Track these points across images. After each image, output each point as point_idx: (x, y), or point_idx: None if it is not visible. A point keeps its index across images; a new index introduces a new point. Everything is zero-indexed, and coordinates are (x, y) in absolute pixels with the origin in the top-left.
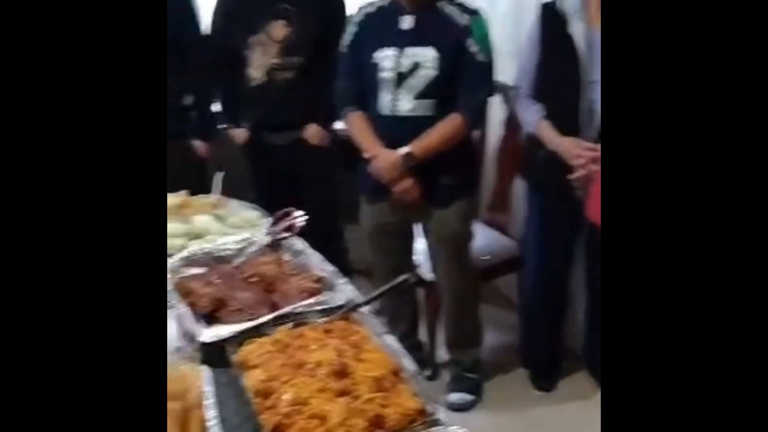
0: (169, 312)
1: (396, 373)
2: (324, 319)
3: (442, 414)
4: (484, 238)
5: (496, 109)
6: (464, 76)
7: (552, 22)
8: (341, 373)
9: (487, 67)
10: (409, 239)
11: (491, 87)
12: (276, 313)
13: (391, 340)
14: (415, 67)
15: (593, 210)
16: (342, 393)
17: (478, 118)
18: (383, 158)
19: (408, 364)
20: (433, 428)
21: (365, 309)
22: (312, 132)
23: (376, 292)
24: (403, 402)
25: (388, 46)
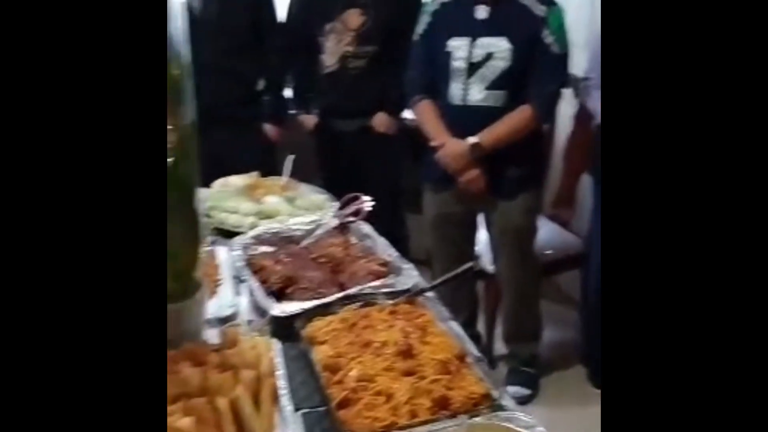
0: (240, 286)
1: (461, 357)
2: (390, 301)
3: (507, 400)
4: (547, 233)
5: (566, 103)
6: (537, 68)
7: None
8: (407, 353)
9: (562, 59)
10: (471, 229)
11: (564, 80)
12: (343, 293)
13: (456, 327)
14: (488, 57)
15: None
16: (408, 373)
17: (548, 111)
18: (451, 147)
19: (473, 350)
20: (499, 412)
21: (430, 294)
22: (380, 120)
23: (442, 278)
24: (468, 386)
25: (462, 35)
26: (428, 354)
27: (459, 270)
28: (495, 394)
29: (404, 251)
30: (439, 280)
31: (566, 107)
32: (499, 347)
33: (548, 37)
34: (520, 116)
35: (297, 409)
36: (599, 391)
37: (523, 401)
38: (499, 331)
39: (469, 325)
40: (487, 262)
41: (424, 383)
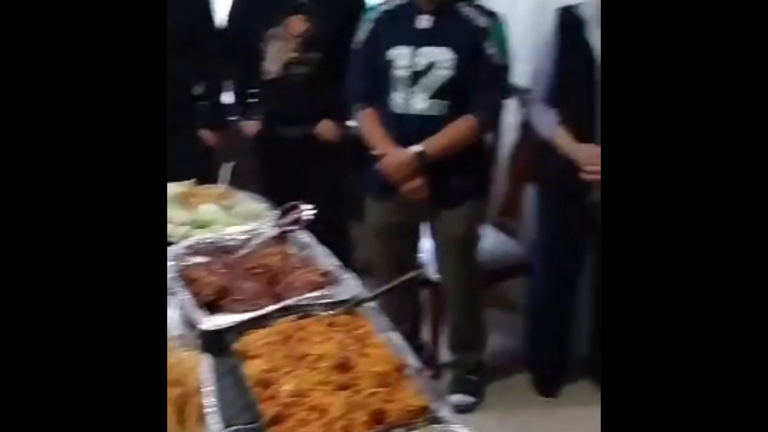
0: (171, 299)
1: (400, 369)
2: (328, 312)
3: (445, 412)
4: (492, 242)
5: (510, 113)
6: (480, 78)
7: (569, 27)
8: (344, 366)
9: (504, 70)
10: (414, 239)
11: (507, 90)
12: (280, 305)
13: (396, 337)
14: (431, 66)
15: None
16: (343, 386)
17: (492, 120)
18: (394, 156)
19: (413, 361)
20: (435, 425)
21: (371, 305)
22: (325, 127)
23: (384, 288)
24: (406, 398)
25: (404, 44)
26: (366, 366)
27: (400, 280)
28: (433, 406)
29: (348, 260)
30: (379, 290)
31: (511, 117)
32: (445, 355)
33: (490, 49)
34: (463, 125)
35: (227, 426)
36: (544, 398)
37: (467, 409)
38: (444, 339)
39: (413, 335)
40: (431, 271)
41: (361, 397)
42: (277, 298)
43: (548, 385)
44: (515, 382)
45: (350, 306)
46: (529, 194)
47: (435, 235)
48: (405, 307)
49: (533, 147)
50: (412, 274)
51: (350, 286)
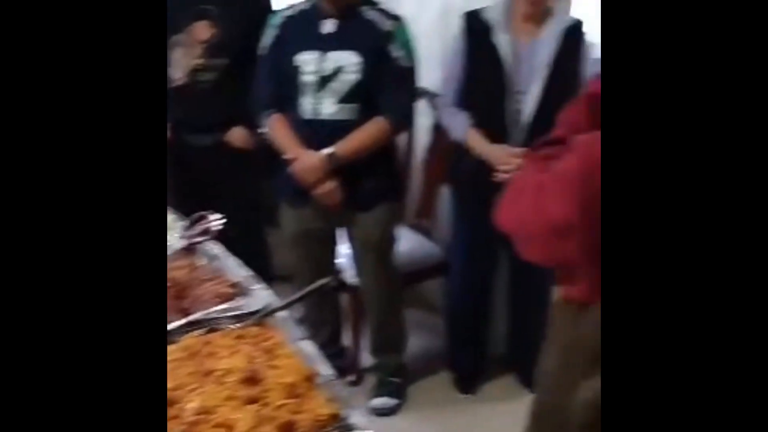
0: None
1: (310, 379)
2: (238, 325)
3: (356, 418)
4: (409, 243)
5: (423, 115)
6: (387, 81)
7: (476, 31)
8: (251, 380)
9: (410, 72)
10: (332, 244)
11: (415, 92)
12: (186, 319)
13: (308, 346)
14: (338, 71)
15: (501, 215)
16: (252, 400)
17: (402, 122)
18: (305, 159)
19: (324, 369)
20: None
21: (282, 315)
22: (236, 134)
23: (293, 297)
24: (315, 408)
25: (310, 49)
26: (274, 378)
27: (310, 288)
28: (344, 413)
29: (266, 269)
30: (289, 300)
31: (423, 119)
32: (367, 359)
33: (396, 51)
34: (374, 127)
35: None
36: (465, 396)
37: (390, 412)
38: (366, 343)
39: (334, 340)
40: (349, 275)
41: (269, 410)
42: (184, 313)
43: (468, 383)
44: (437, 382)
45: (260, 317)
46: (444, 196)
47: (351, 239)
48: (324, 313)
49: (446, 149)
50: (322, 281)
51: (260, 296)
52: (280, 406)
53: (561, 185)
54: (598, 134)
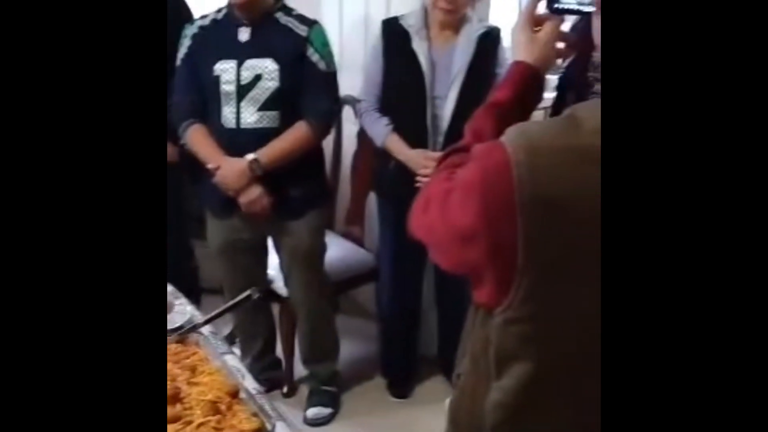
0: None
1: (233, 394)
2: None
3: (282, 429)
4: (340, 251)
5: (350, 122)
6: (307, 86)
7: (394, 38)
8: (173, 398)
9: (330, 76)
10: (262, 255)
11: (335, 95)
12: None
13: (233, 360)
14: (257, 79)
15: (413, 223)
16: (174, 419)
17: (325, 125)
18: (228, 167)
19: (250, 383)
20: None
21: (206, 330)
22: None
23: (215, 312)
24: (238, 423)
25: (228, 58)
26: (197, 396)
27: (235, 300)
28: (268, 426)
29: (195, 282)
30: (211, 315)
31: (350, 126)
32: (300, 369)
33: (314, 56)
34: (296, 132)
35: None
36: (399, 400)
37: (324, 421)
38: (298, 353)
39: (267, 352)
40: (280, 286)
41: (190, 428)
42: None
43: (400, 387)
44: (371, 387)
45: (182, 333)
46: (373, 202)
47: (280, 248)
48: (256, 326)
49: (370, 155)
50: (245, 294)
51: (182, 312)
52: (202, 424)
53: (463, 193)
54: (497, 142)
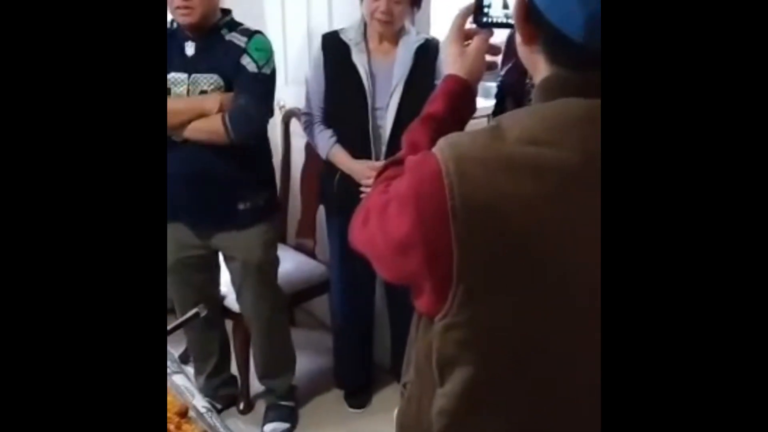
0: None
1: (182, 414)
2: None
3: None
4: (292, 263)
5: (298, 136)
6: (235, 87)
7: (334, 51)
8: None
9: (258, 77)
10: (213, 271)
11: (263, 96)
12: None
13: (181, 380)
14: (203, 93)
15: (354, 236)
16: None
17: (239, 123)
18: None
19: (199, 402)
20: None
21: None
22: None
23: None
24: None
25: (177, 71)
26: None
27: (181, 319)
28: None
29: None
30: None
31: (298, 139)
32: (258, 386)
33: (245, 59)
34: (209, 122)
35: None
36: (357, 411)
37: None
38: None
39: (222, 369)
40: (232, 301)
41: None
42: None
43: (357, 398)
44: (328, 399)
45: None
46: (322, 213)
47: (230, 263)
48: (209, 344)
49: (318, 167)
50: (192, 312)
51: None
52: None
53: (399, 204)
54: (428, 153)
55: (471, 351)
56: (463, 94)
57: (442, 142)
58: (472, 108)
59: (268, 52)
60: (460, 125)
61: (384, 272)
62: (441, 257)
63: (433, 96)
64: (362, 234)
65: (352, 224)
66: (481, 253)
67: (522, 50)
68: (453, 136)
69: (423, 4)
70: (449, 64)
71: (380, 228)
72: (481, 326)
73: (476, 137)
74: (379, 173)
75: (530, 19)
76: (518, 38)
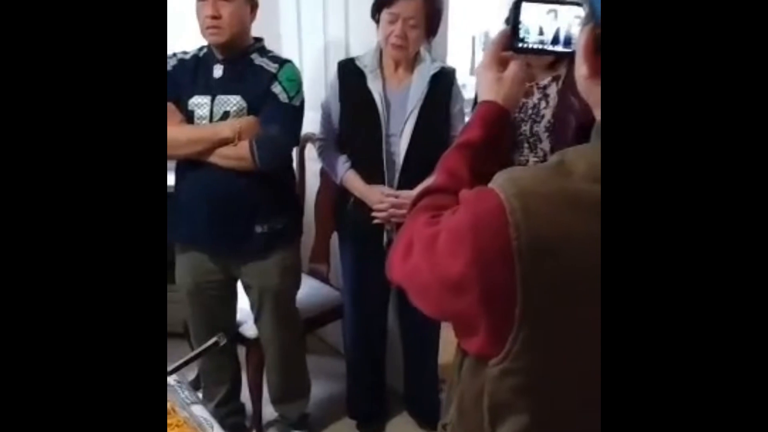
0: None
1: None
2: None
3: None
4: (306, 289)
5: (313, 161)
6: (264, 115)
7: (350, 78)
8: None
9: (290, 108)
10: (230, 298)
11: (293, 128)
12: None
13: (201, 411)
14: (226, 115)
15: (393, 268)
16: None
17: (267, 152)
18: None
19: None
20: None
21: (171, 379)
22: None
23: (182, 361)
24: None
25: (201, 93)
26: None
27: (202, 347)
28: None
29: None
30: (178, 364)
31: (313, 164)
32: (271, 412)
33: (276, 87)
34: (237, 149)
35: None
36: None
37: None
38: (267, 395)
39: (232, 397)
40: (248, 328)
41: None
42: None
43: (370, 426)
44: (340, 428)
45: None
46: (335, 239)
47: (249, 290)
48: (222, 371)
49: (333, 192)
50: (211, 341)
51: None
52: None
53: (453, 239)
54: (487, 188)
55: (528, 398)
56: (500, 120)
57: (500, 176)
58: (509, 135)
59: (299, 83)
60: (497, 152)
61: (427, 308)
62: (499, 299)
63: (469, 122)
64: (404, 266)
65: (390, 255)
66: (547, 297)
67: (585, 84)
68: (512, 171)
69: (441, 33)
70: (485, 90)
71: (427, 262)
72: (541, 373)
73: (537, 172)
74: (415, 201)
75: (599, 52)
76: (580, 71)
